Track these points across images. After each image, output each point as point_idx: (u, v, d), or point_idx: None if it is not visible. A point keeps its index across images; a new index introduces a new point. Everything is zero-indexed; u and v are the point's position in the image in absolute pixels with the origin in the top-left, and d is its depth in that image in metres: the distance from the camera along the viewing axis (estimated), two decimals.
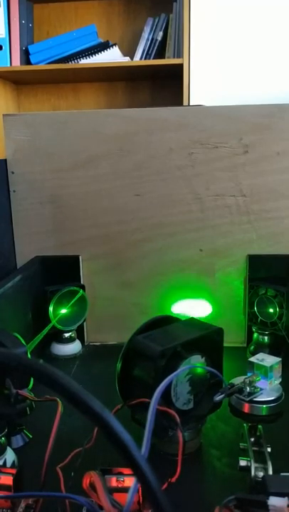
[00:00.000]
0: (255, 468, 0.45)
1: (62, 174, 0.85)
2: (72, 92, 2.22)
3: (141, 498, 0.38)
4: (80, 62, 1.93)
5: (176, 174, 0.83)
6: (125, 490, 0.38)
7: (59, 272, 0.86)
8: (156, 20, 1.95)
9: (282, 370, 0.52)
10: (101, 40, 2.00)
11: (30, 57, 1.96)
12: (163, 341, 0.52)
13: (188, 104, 1.78)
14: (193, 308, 0.86)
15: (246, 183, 0.83)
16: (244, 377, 0.52)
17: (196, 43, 1.76)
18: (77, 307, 0.84)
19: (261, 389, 0.51)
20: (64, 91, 2.23)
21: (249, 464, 0.46)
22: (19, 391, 0.53)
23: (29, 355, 0.61)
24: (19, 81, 2.18)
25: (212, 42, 1.76)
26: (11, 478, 0.38)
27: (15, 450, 0.53)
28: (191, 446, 0.55)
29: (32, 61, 1.96)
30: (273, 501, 0.33)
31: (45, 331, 0.79)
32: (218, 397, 0.50)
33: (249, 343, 0.85)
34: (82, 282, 0.87)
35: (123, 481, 0.39)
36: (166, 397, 0.50)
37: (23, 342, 0.58)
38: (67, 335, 0.84)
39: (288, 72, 1.75)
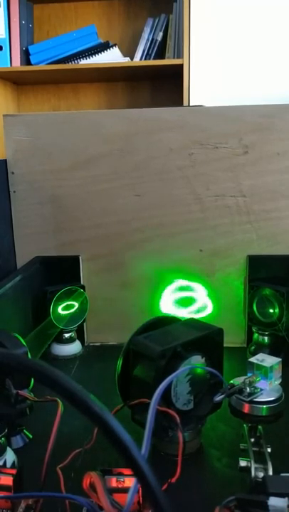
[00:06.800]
0: (256, 468, 0.45)
1: (63, 174, 0.85)
2: (72, 92, 2.22)
3: (141, 498, 0.38)
4: (80, 63, 1.93)
5: (176, 174, 0.83)
6: (125, 490, 0.38)
7: (59, 272, 0.86)
8: (156, 21, 1.94)
9: (282, 370, 0.52)
10: (101, 40, 2.00)
11: (30, 57, 1.96)
12: (163, 341, 0.52)
13: (189, 105, 1.78)
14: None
15: (246, 184, 0.83)
16: (244, 377, 0.52)
17: (196, 43, 1.76)
18: (77, 307, 0.84)
19: (261, 389, 0.51)
20: (64, 91, 2.23)
21: (249, 465, 0.46)
22: (19, 391, 0.53)
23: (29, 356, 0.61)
24: (19, 81, 2.18)
25: (212, 42, 1.76)
26: (11, 478, 0.38)
27: (15, 450, 0.53)
28: (191, 447, 0.55)
29: (32, 61, 1.96)
30: (273, 502, 0.33)
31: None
32: (218, 398, 0.50)
33: (249, 343, 0.85)
34: (82, 282, 0.87)
35: (123, 481, 0.39)
36: (166, 398, 0.50)
37: (23, 342, 0.58)
38: (67, 335, 0.84)
39: (288, 73, 1.75)
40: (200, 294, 0.86)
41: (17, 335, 0.58)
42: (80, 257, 0.87)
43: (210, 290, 0.86)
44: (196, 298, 0.86)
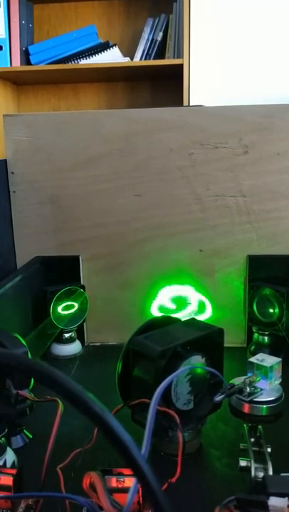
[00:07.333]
0: (256, 468, 0.45)
1: (63, 174, 0.85)
2: (72, 92, 2.22)
3: (141, 498, 0.38)
4: (80, 63, 1.93)
5: (176, 174, 0.83)
6: (125, 490, 0.38)
7: (59, 272, 0.86)
8: (156, 21, 1.94)
9: (282, 370, 0.52)
10: (101, 40, 1.99)
11: (30, 57, 1.96)
12: (163, 341, 0.52)
13: (189, 105, 1.78)
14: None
15: (246, 184, 0.83)
16: (244, 377, 0.52)
17: (196, 43, 1.76)
18: (77, 307, 0.84)
19: (261, 389, 0.51)
20: (64, 91, 2.23)
21: (249, 465, 0.46)
22: (19, 391, 0.53)
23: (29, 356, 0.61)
24: (19, 81, 2.18)
25: (212, 42, 1.75)
26: (11, 478, 0.38)
27: (15, 450, 0.53)
28: (191, 447, 0.55)
29: (32, 61, 1.96)
30: (273, 502, 0.33)
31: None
32: (218, 398, 0.50)
33: (249, 343, 0.85)
34: (82, 282, 0.87)
35: (123, 481, 0.39)
36: (166, 398, 0.50)
37: (23, 342, 0.58)
38: (67, 335, 0.84)
39: (288, 73, 1.75)
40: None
41: (17, 335, 0.58)
42: (80, 257, 0.87)
43: (210, 290, 0.86)
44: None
